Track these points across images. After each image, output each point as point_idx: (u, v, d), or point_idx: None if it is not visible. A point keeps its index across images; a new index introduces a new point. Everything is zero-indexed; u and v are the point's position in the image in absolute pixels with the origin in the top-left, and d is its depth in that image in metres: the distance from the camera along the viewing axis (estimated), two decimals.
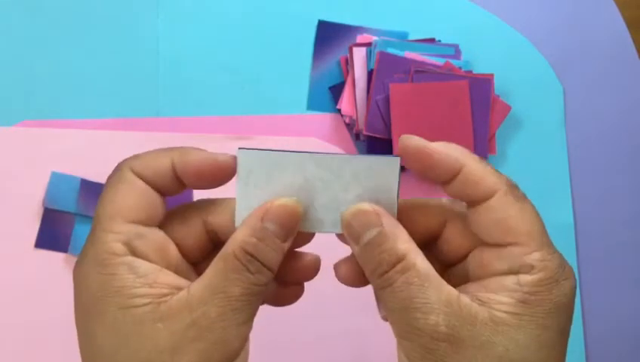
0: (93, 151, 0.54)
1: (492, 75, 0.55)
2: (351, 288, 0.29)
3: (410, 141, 0.27)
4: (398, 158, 0.28)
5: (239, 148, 0.27)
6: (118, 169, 0.28)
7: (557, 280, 0.25)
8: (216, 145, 0.54)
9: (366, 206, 0.27)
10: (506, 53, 0.58)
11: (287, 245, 0.27)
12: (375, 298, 0.29)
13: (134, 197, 0.26)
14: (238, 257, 0.26)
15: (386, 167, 0.28)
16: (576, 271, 0.55)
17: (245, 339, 0.26)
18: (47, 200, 0.53)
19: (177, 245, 0.28)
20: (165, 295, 0.25)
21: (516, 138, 0.57)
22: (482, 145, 0.54)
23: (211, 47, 0.57)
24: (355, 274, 0.28)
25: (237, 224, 0.27)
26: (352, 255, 0.28)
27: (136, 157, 0.28)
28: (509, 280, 0.25)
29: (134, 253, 0.26)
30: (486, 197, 0.26)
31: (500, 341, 0.24)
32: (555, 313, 0.25)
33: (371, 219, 0.26)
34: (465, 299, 0.25)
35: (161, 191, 0.28)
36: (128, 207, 0.26)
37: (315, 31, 0.57)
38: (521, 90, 0.57)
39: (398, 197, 0.28)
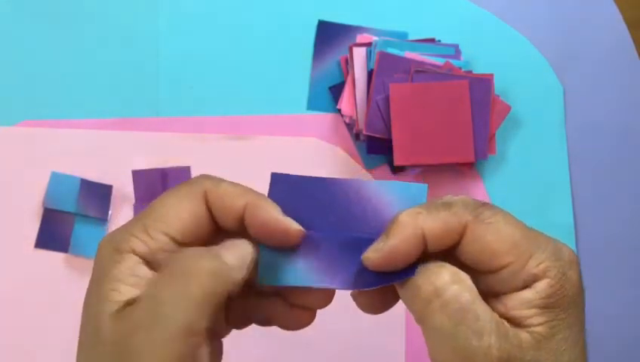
0: (93, 151, 0.54)
1: (492, 75, 0.55)
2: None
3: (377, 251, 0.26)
4: (426, 186, 0.28)
5: (272, 173, 0.28)
6: (191, 184, 0.27)
7: (563, 273, 0.25)
8: (217, 145, 0.54)
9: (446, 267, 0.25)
10: (506, 53, 0.58)
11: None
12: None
13: (190, 218, 0.26)
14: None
15: (416, 194, 0.27)
16: None
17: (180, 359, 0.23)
18: (47, 200, 0.53)
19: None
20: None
21: (516, 138, 0.57)
22: (482, 145, 0.54)
23: (211, 47, 0.57)
24: (375, 300, 0.28)
25: (261, 281, 0.27)
26: None
27: (212, 181, 0.27)
28: (526, 293, 0.25)
29: (148, 262, 0.26)
30: (460, 239, 0.25)
31: (544, 356, 0.24)
32: (574, 309, 0.25)
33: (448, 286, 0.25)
34: (504, 323, 0.25)
35: (216, 224, 0.27)
36: (178, 223, 0.26)
37: (315, 31, 0.57)
38: (521, 90, 0.57)
39: None
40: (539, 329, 0.24)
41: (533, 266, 0.25)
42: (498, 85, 0.56)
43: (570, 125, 0.58)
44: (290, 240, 0.27)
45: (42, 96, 0.55)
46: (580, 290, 0.26)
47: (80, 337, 0.26)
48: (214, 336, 0.28)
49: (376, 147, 0.54)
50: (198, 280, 0.24)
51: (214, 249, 0.26)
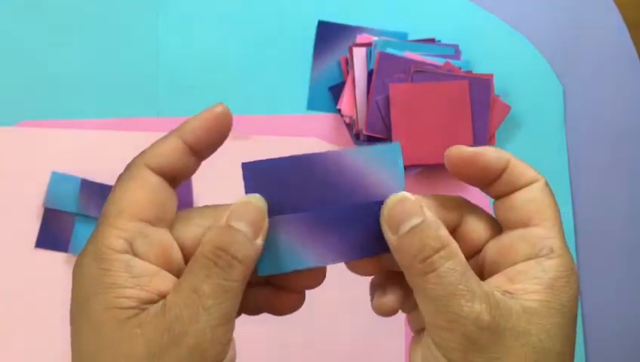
0: (93, 151, 0.54)
1: (492, 75, 0.55)
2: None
3: (462, 150, 0.28)
4: (397, 143, 0.28)
5: (242, 163, 0.27)
6: (130, 166, 0.27)
7: (573, 268, 0.26)
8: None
9: (408, 195, 0.27)
10: (506, 53, 0.58)
11: (259, 241, 0.26)
12: (374, 292, 0.29)
13: (145, 194, 0.26)
14: (205, 254, 0.25)
15: (389, 155, 0.28)
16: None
17: (224, 343, 0.25)
18: (47, 200, 0.53)
19: (181, 247, 0.27)
20: (153, 302, 0.25)
21: (516, 138, 0.57)
22: (482, 145, 0.54)
23: (211, 47, 0.57)
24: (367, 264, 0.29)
25: (260, 272, 0.27)
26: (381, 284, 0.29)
27: (144, 152, 0.27)
28: (533, 267, 0.26)
29: (135, 252, 0.25)
30: (528, 184, 0.28)
31: (534, 331, 0.25)
32: (574, 301, 0.26)
33: (414, 208, 0.26)
34: (496, 293, 0.25)
35: (177, 176, 0.28)
36: (137, 204, 0.26)
37: (315, 31, 0.57)
38: (521, 90, 0.57)
39: (404, 186, 0.28)
40: (534, 304, 0.25)
41: (556, 244, 0.26)
42: (498, 85, 0.56)
43: (570, 125, 0.58)
44: (225, 121, 0.29)
45: (42, 96, 0.55)
46: (577, 299, 0.26)
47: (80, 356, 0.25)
48: None
49: None
50: (236, 274, 0.25)
51: (232, 218, 0.26)
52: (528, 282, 0.26)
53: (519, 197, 0.27)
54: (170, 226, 0.27)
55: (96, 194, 0.53)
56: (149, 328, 0.24)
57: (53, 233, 0.53)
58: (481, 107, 0.54)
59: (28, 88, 0.55)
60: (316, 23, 0.57)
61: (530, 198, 0.27)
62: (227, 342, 0.25)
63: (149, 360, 0.24)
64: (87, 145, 0.54)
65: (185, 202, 0.53)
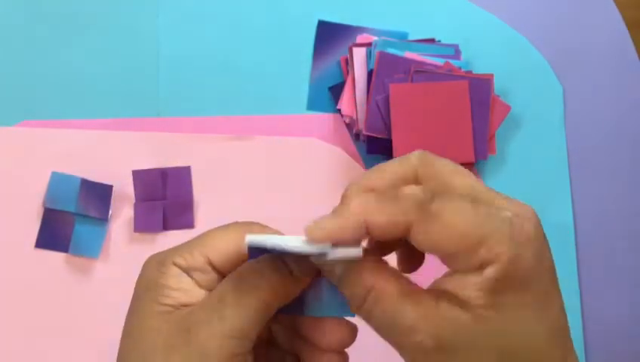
0: (93, 151, 0.54)
1: (492, 75, 0.55)
2: None
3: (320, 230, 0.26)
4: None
5: (247, 236, 0.27)
6: (230, 226, 0.30)
7: (517, 254, 0.24)
8: (217, 145, 0.54)
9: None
10: (506, 53, 0.58)
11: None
12: None
13: (231, 246, 0.29)
14: (240, 271, 0.28)
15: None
16: (576, 271, 0.55)
17: (231, 357, 0.26)
18: (47, 200, 0.53)
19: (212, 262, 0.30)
20: (190, 306, 0.28)
21: (516, 138, 0.57)
22: (482, 145, 0.54)
23: (211, 47, 0.57)
24: None
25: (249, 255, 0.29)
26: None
27: (262, 227, 0.30)
28: (472, 277, 0.25)
29: (191, 276, 0.29)
30: (407, 232, 0.26)
31: (490, 338, 0.24)
32: (531, 288, 0.25)
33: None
34: (443, 303, 0.25)
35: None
36: (217, 252, 0.29)
37: (315, 31, 0.57)
38: (521, 90, 0.57)
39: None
40: (484, 311, 0.24)
41: (484, 253, 0.24)
42: (498, 85, 0.56)
43: (570, 125, 0.58)
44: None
45: (42, 96, 0.55)
46: (540, 266, 0.25)
47: (123, 340, 0.28)
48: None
49: (376, 147, 0.54)
50: (260, 294, 0.27)
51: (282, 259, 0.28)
52: (471, 289, 0.24)
53: (412, 240, 0.26)
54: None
55: (96, 194, 0.53)
56: (172, 324, 0.27)
57: (53, 233, 0.52)
58: (481, 107, 0.54)
59: (28, 88, 0.55)
60: (316, 23, 0.57)
61: (420, 242, 0.25)
62: (236, 357, 0.26)
63: (164, 351, 0.26)
64: (87, 145, 0.54)
65: (185, 201, 0.53)
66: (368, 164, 0.56)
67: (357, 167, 0.55)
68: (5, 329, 0.51)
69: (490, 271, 0.24)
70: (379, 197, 0.26)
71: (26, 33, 0.56)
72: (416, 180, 0.27)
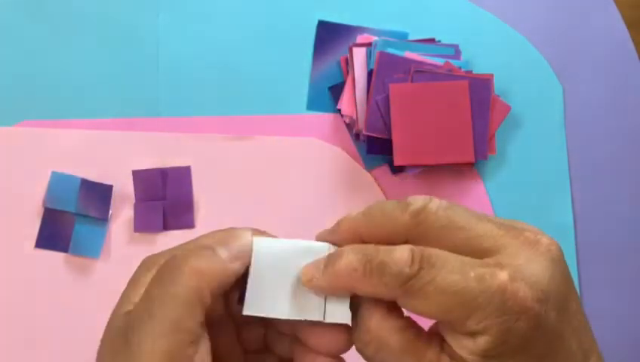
0: (93, 151, 0.54)
1: (492, 75, 0.55)
2: None
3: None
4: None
5: (254, 237, 0.27)
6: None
7: (508, 328, 0.24)
8: (217, 145, 0.54)
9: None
10: (506, 53, 0.58)
11: (233, 265, 0.27)
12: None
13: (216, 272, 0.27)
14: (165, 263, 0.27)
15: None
16: (576, 271, 0.55)
17: (168, 357, 0.24)
18: (47, 200, 0.53)
19: None
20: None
21: (516, 138, 0.57)
22: (482, 145, 0.54)
23: (211, 47, 0.57)
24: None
25: (245, 311, 0.27)
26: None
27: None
28: (465, 341, 0.24)
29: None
30: (393, 301, 0.26)
31: None
32: (524, 349, 0.24)
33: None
34: (445, 359, 0.25)
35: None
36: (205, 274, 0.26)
37: (315, 31, 0.57)
38: (521, 90, 0.57)
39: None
40: None
41: (473, 325, 0.24)
42: (498, 85, 0.56)
43: (570, 125, 0.58)
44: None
45: (42, 96, 0.55)
46: (538, 331, 0.24)
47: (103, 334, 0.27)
48: (220, 337, 0.28)
49: (376, 147, 0.54)
50: (183, 280, 0.25)
51: (210, 242, 0.27)
52: (465, 353, 0.24)
53: (401, 304, 0.26)
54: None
55: (96, 194, 0.53)
56: (121, 328, 0.25)
57: (53, 233, 0.52)
58: (481, 107, 0.54)
59: (28, 88, 0.55)
60: (316, 23, 0.57)
61: (408, 309, 0.25)
62: (174, 354, 0.24)
63: (111, 356, 0.25)
64: (87, 145, 0.54)
65: (185, 201, 0.53)
66: (368, 164, 0.56)
67: (357, 167, 0.55)
68: (5, 329, 0.51)
69: (481, 341, 0.24)
70: (366, 265, 0.25)
71: (26, 33, 0.56)
72: (407, 236, 0.26)
